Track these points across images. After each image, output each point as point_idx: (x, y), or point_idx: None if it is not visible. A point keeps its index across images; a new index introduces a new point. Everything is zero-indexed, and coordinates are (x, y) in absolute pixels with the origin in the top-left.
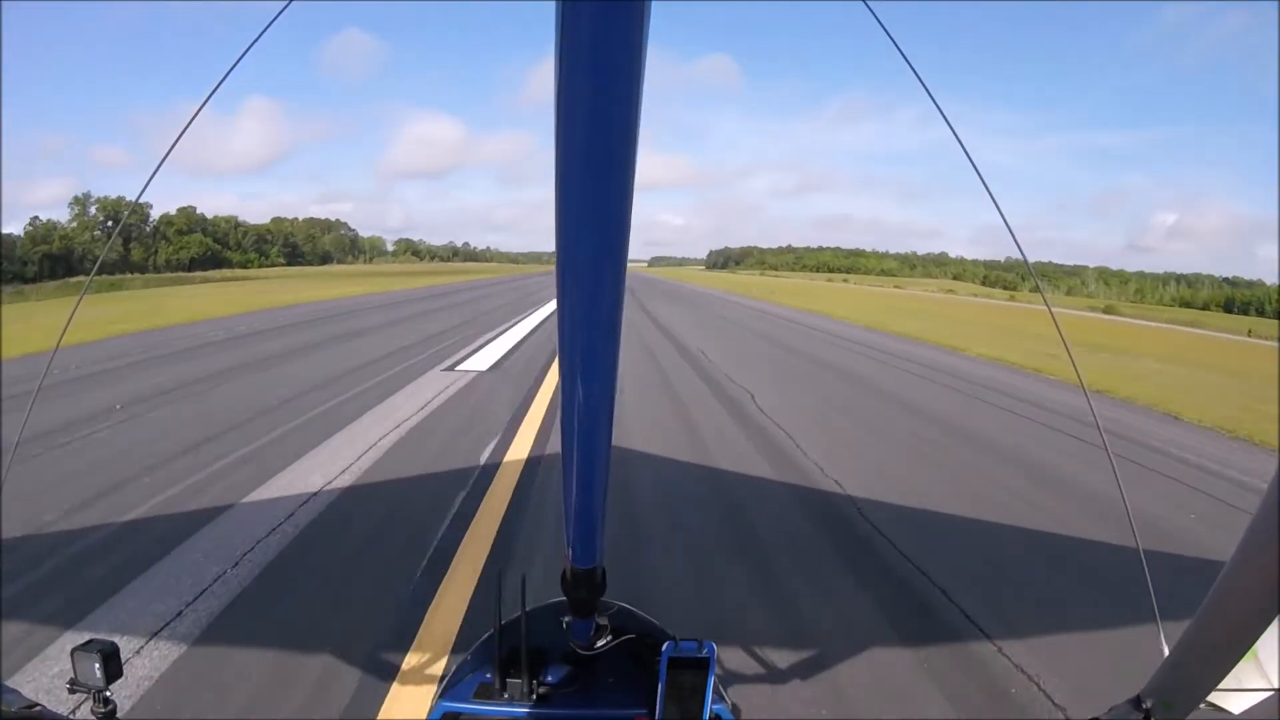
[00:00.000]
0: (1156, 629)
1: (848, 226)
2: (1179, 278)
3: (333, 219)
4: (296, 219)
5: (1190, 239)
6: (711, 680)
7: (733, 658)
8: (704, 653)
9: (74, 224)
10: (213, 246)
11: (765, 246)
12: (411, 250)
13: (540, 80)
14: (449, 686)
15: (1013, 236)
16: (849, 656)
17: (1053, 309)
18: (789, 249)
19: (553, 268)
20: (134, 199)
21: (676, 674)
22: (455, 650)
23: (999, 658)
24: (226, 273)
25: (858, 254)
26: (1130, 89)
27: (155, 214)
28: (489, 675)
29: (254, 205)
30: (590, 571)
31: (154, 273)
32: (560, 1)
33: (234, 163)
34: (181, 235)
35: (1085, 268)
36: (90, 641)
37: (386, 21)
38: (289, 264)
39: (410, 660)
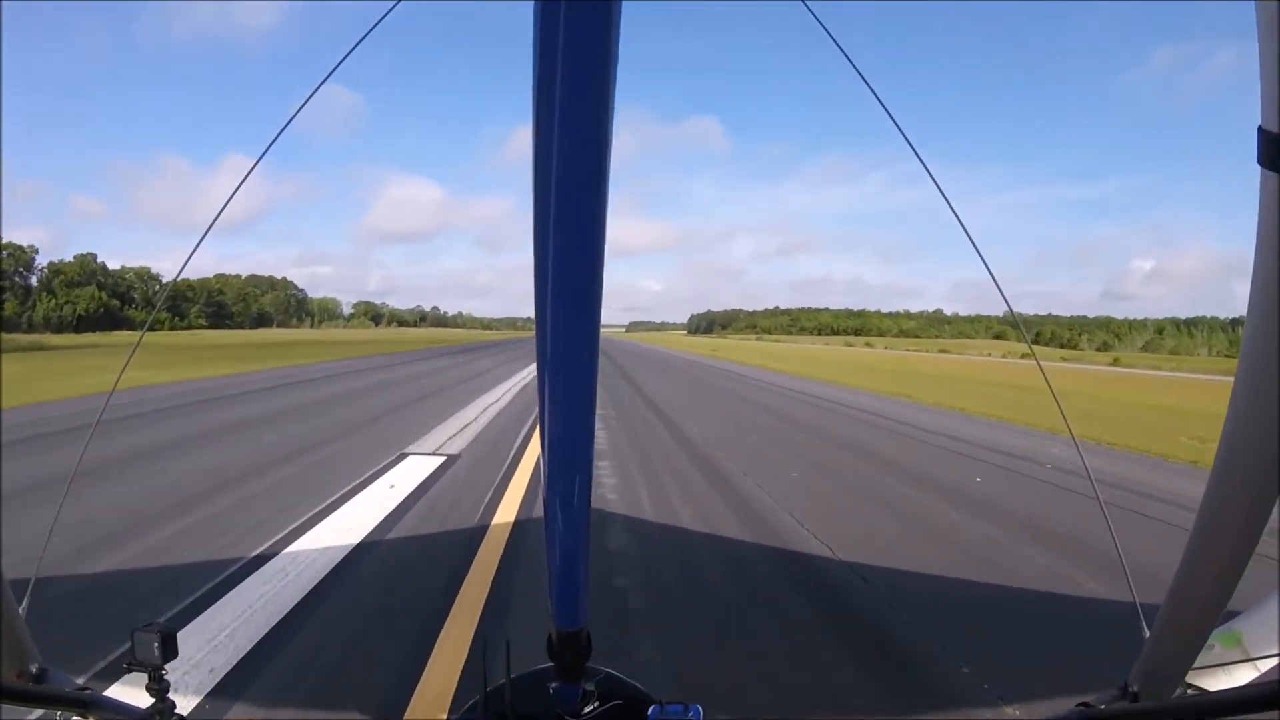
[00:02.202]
0: (1137, 615)
1: (828, 288)
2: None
3: (278, 277)
4: (239, 275)
5: (1168, 282)
6: None
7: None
8: (689, 716)
9: None
10: (108, 302)
11: (751, 309)
12: (372, 314)
13: (520, 143)
14: None
15: (1000, 291)
16: None
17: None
18: (782, 311)
19: (525, 334)
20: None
21: None
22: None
23: None
24: (110, 336)
25: (859, 314)
26: (1104, 138)
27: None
28: None
29: (231, 265)
30: (575, 634)
31: (25, 331)
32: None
33: (209, 220)
34: (70, 288)
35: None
36: (150, 624)
37: (366, 79)
38: (212, 326)
39: None
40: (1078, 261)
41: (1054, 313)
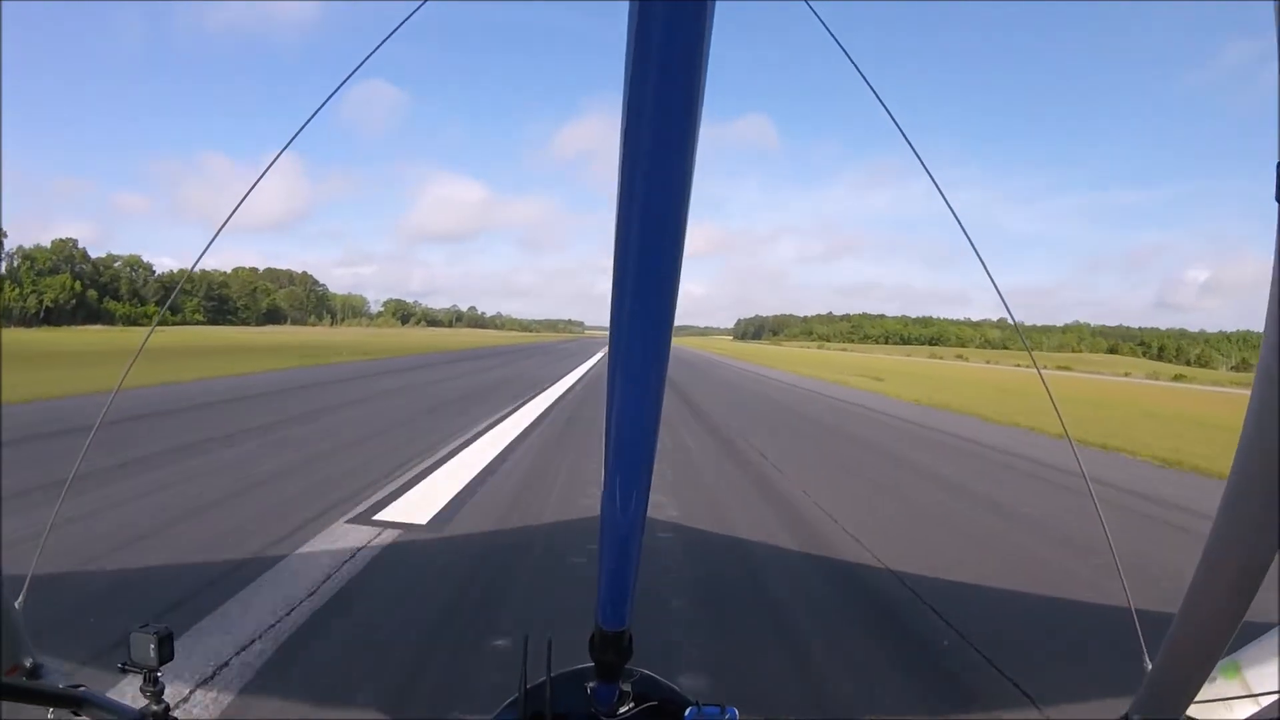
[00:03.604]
0: (1140, 646)
1: (874, 293)
2: None
3: (298, 271)
4: (255, 269)
5: (1223, 294)
6: None
7: None
8: (726, 718)
9: None
10: (84, 293)
11: (801, 314)
12: (402, 313)
13: (565, 142)
14: None
15: (1008, 310)
16: None
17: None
18: (839, 316)
19: (566, 335)
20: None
21: None
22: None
23: None
24: (57, 332)
25: (926, 321)
26: (1162, 140)
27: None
28: None
29: (277, 264)
30: (619, 635)
31: None
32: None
33: (255, 220)
34: (41, 277)
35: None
36: (146, 625)
37: (409, 75)
38: (211, 323)
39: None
40: (1130, 267)
41: (1104, 323)
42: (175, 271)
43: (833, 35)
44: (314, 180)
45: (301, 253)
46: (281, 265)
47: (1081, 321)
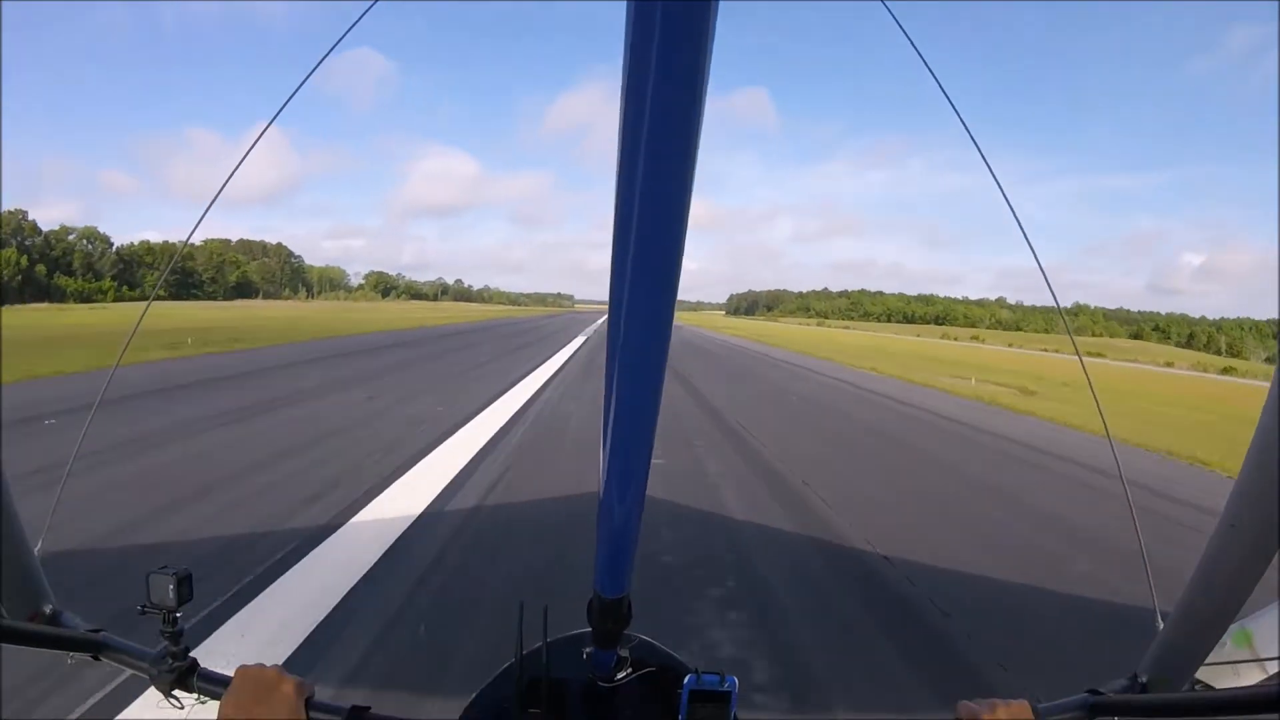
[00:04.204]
0: (1153, 608)
1: (870, 271)
2: None
3: (272, 243)
4: (228, 240)
5: (1217, 280)
6: (733, 714)
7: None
8: (726, 686)
9: None
10: (31, 269)
11: (795, 290)
12: (384, 286)
13: (559, 116)
14: (465, 717)
15: (1054, 295)
16: None
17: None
18: (837, 293)
19: (554, 309)
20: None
21: (697, 707)
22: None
23: None
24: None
25: (930, 299)
26: (1162, 126)
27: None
28: (506, 707)
29: (267, 238)
30: (618, 601)
31: None
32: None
33: (243, 194)
34: None
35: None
36: (165, 566)
37: (401, 47)
38: (174, 297)
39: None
40: (1127, 252)
41: (1102, 305)
42: (136, 244)
43: (892, 15)
44: (303, 153)
45: (290, 226)
46: (271, 239)
47: (1082, 303)
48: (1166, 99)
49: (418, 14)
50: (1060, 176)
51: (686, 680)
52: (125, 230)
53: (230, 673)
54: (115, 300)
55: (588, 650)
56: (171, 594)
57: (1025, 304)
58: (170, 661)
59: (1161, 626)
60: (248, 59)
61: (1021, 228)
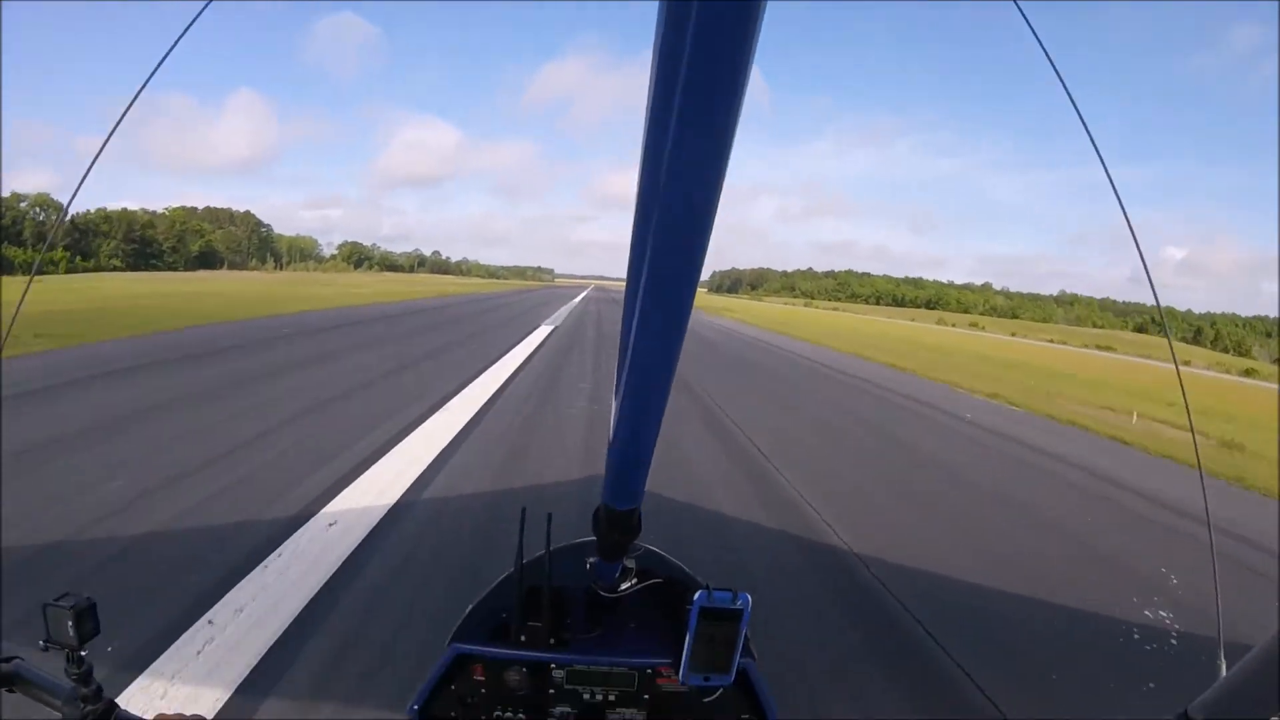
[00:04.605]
0: (1218, 646)
1: (853, 251)
2: None
3: (239, 210)
4: (195, 209)
5: (1200, 274)
6: (744, 633)
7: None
8: (738, 604)
9: None
10: None
11: (780, 269)
12: (357, 256)
13: (541, 84)
14: (463, 627)
15: (1153, 289)
16: None
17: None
18: (823, 273)
19: (532, 283)
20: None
21: (707, 624)
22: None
23: None
24: None
25: (917, 283)
26: (1145, 125)
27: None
28: (506, 617)
29: (249, 208)
30: (629, 513)
31: None
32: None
33: (221, 160)
34: None
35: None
36: (65, 595)
37: (381, 10)
38: (132, 268)
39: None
40: (1110, 242)
41: (1079, 293)
42: (93, 211)
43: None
44: (282, 120)
45: (270, 195)
46: (251, 208)
47: (1075, 293)
48: (1154, 95)
49: None
50: (1046, 166)
51: (697, 596)
52: (105, 199)
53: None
54: (68, 272)
55: (591, 560)
56: (71, 630)
57: (1011, 290)
58: (82, 705)
59: (1225, 671)
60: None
61: (1127, 220)
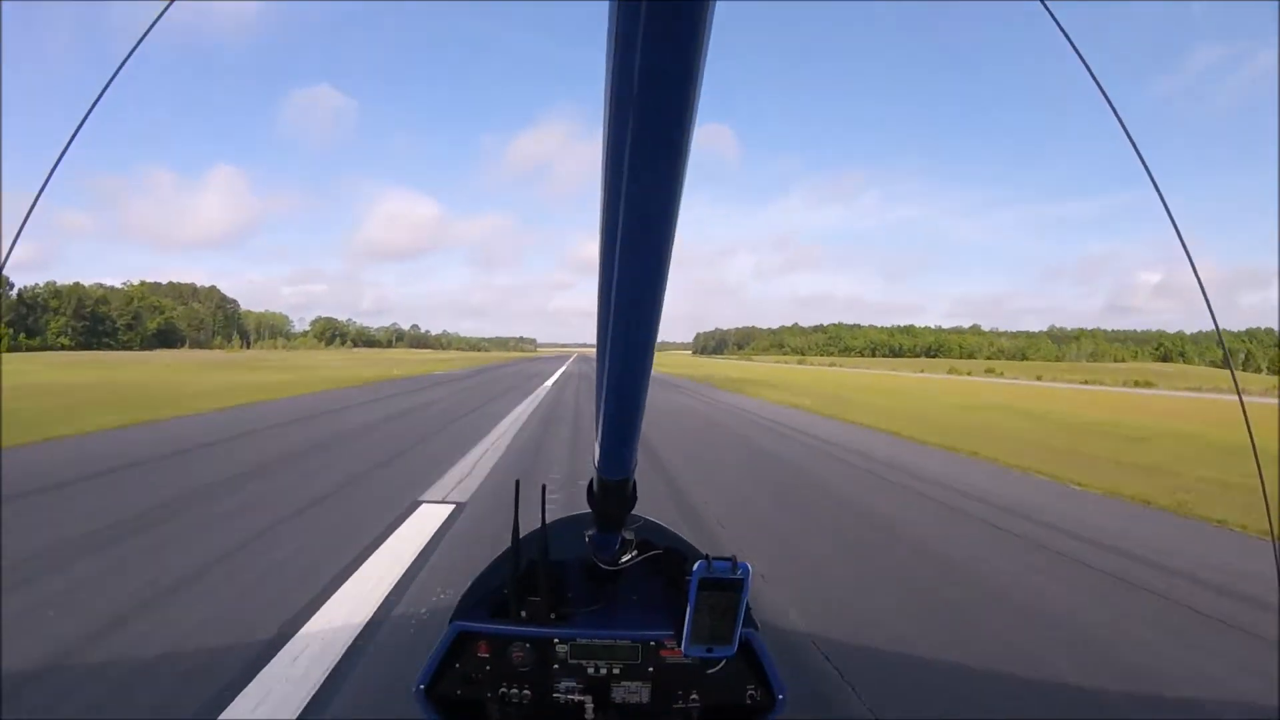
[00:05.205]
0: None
1: (829, 304)
2: None
3: (203, 285)
4: (159, 284)
5: (1176, 296)
6: (745, 603)
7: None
8: (738, 574)
9: None
10: None
11: (764, 326)
12: (330, 332)
13: (519, 155)
14: (463, 604)
15: (1214, 319)
16: None
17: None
18: (812, 328)
19: (515, 354)
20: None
21: (707, 595)
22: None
23: None
24: None
25: (910, 330)
26: (1101, 155)
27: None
28: (505, 592)
29: (222, 283)
30: (622, 483)
31: None
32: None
33: (199, 236)
34: None
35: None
36: None
37: (359, 83)
38: (82, 347)
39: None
40: (1081, 274)
41: (1056, 324)
42: (42, 285)
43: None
44: (262, 194)
45: (250, 270)
46: (233, 284)
47: (1057, 326)
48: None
49: (375, 45)
50: (1008, 205)
51: (696, 567)
52: (83, 274)
53: None
54: (9, 351)
55: (589, 533)
56: None
57: (1000, 329)
58: None
59: None
60: (202, 95)
61: (1181, 239)
